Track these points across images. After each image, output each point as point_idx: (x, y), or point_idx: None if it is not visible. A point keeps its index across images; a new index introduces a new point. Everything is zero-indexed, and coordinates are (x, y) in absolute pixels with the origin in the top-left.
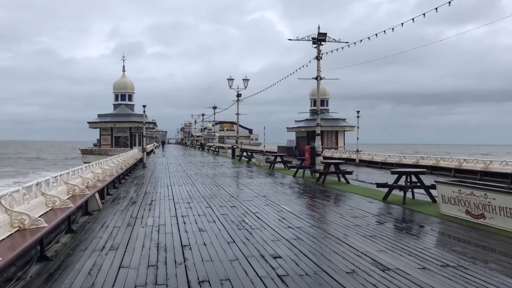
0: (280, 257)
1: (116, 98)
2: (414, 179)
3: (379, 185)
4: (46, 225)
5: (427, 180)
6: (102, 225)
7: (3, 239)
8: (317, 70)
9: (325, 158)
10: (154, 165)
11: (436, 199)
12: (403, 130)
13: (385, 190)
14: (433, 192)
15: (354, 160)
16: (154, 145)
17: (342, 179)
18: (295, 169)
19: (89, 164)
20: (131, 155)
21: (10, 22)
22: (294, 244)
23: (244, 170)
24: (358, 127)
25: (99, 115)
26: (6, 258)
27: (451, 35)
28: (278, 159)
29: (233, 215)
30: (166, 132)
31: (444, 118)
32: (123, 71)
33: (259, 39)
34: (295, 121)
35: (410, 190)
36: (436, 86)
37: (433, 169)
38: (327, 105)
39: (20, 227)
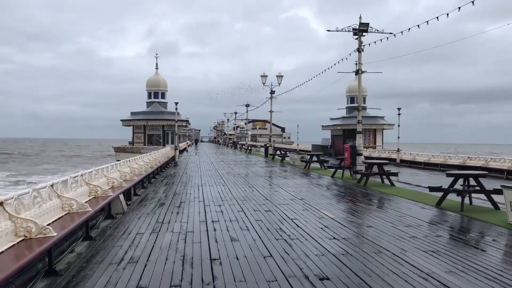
0: (328, 279)
1: (149, 96)
2: (472, 182)
3: (432, 188)
4: (55, 234)
5: (484, 183)
6: (124, 231)
7: (3, 251)
8: (358, 63)
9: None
10: (186, 163)
11: (500, 206)
12: (441, 129)
13: (438, 194)
14: (493, 197)
15: (394, 160)
16: (187, 143)
17: (386, 181)
18: (333, 170)
19: (117, 162)
20: (163, 153)
21: (51, 23)
22: (343, 261)
23: (278, 169)
24: (399, 125)
25: (132, 113)
26: (6, 272)
27: (493, 31)
28: (314, 158)
29: (268, 221)
30: (199, 130)
31: (484, 116)
32: (156, 68)
33: (293, 37)
34: (331, 119)
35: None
36: (475, 83)
37: (482, 170)
38: (364, 102)
39: (26, 236)
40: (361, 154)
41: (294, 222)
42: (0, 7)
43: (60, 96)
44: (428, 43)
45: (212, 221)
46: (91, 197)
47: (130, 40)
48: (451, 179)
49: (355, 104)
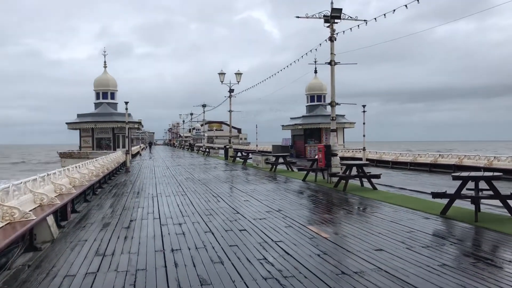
0: None
1: (97, 97)
2: (480, 185)
3: (436, 195)
4: None
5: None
6: (47, 272)
7: None
8: (331, 53)
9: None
10: (139, 169)
11: None
12: (391, 127)
13: (440, 201)
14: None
15: (360, 159)
16: (140, 146)
17: (365, 184)
18: (301, 172)
19: (50, 172)
20: (113, 158)
21: None
22: None
23: (242, 173)
24: (364, 123)
25: (78, 115)
26: None
27: (441, 32)
28: (281, 160)
29: (246, 247)
30: (153, 133)
31: (430, 115)
32: (105, 67)
33: (248, 38)
34: (291, 118)
35: (469, 200)
36: (424, 83)
37: (457, 169)
38: (324, 101)
39: None
40: (336, 155)
41: (281, 247)
42: None
43: (6, 99)
44: (382, 45)
45: (172, 250)
46: (5, 223)
47: (80, 41)
48: (432, 180)
49: (316, 103)
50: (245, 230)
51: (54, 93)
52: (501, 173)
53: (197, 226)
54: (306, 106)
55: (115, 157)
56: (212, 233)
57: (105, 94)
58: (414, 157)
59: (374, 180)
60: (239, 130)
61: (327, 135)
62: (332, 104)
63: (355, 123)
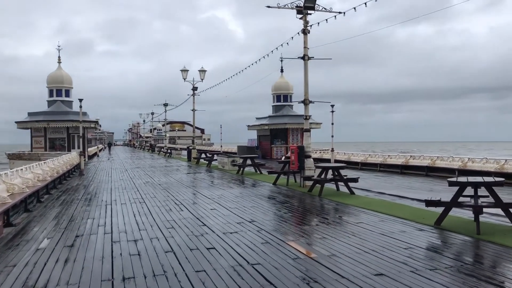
0: None
1: (51, 94)
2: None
3: (429, 203)
4: None
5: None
6: None
7: None
8: (304, 47)
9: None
10: (95, 171)
11: None
12: (352, 128)
13: (432, 209)
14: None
15: (328, 160)
16: (98, 147)
17: (341, 187)
18: (273, 175)
19: None
20: (65, 160)
21: None
22: None
23: (207, 176)
24: (333, 123)
25: (29, 114)
26: None
27: (402, 35)
28: (248, 161)
29: (217, 273)
30: (113, 133)
31: (391, 116)
32: (59, 62)
33: (212, 37)
34: (256, 118)
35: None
36: (385, 85)
37: (429, 170)
38: (290, 101)
39: None
40: (310, 157)
41: (260, 273)
42: None
43: None
44: (342, 46)
45: (124, 279)
46: None
47: (39, 37)
48: (407, 182)
49: (282, 103)
50: (213, 248)
51: (9, 91)
52: (503, 179)
53: (156, 243)
54: (272, 106)
55: (68, 159)
56: (174, 253)
57: (59, 91)
58: (384, 158)
59: (350, 184)
60: (202, 131)
61: (293, 135)
62: (306, 102)
63: (321, 123)
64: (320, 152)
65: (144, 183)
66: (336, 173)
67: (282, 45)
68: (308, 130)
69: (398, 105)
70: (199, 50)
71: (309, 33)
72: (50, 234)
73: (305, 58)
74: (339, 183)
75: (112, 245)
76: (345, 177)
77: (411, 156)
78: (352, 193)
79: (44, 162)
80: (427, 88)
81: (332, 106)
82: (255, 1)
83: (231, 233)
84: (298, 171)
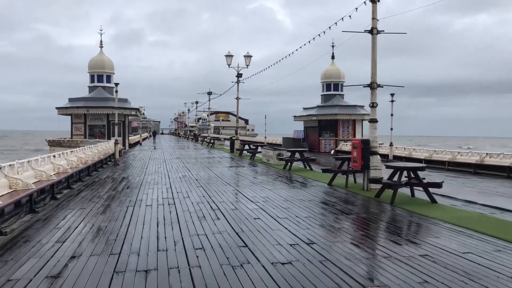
0: None
1: (92, 80)
2: None
3: None
4: None
5: None
6: None
7: None
8: (372, 18)
9: (343, 152)
10: (132, 161)
11: None
12: (400, 121)
13: None
14: None
15: (386, 156)
16: (140, 136)
17: (417, 193)
18: (328, 174)
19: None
20: (99, 149)
21: (3, 7)
22: None
23: (250, 171)
24: (392, 114)
25: (70, 99)
26: None
27: (460, 25)
28: (297, 155)
29: None
30: (159, 122)
31: (442, 109)
32: (101, 46)
33: (260, 28)
34: (304, 108)
35: None
36: (438, 77)
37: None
38: (341, 90)
39: None
40: (376, 153)
41: None
42: None
43: (16, 85)
44: (397, 36)
45: None
46: None
47: (92, 27)
48: (492, 186)
49: (333, 92)
50: None
51: (63, 79)
52: None
53: (174, 277)
54: (322, 95)
55: (103, 148)
56: None
57: (100, 77)
58: (453, 155)
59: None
60: (246, 121)
61: (344, 127)
62: (373, 85)
63: None
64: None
65: (180, 178)
66: (413, 175)
67: (336, 23)
68: (375, 121)
69: (451, 98)
70: (247, 41)
71: (379, 1)
72: (35, 258)
73: (373, 31)
74: (414, 187)
75: (112, 278)
76: (426, 182)
77: (487, 154)
78: (433, 201)
79: (72, 151)
80: (481, 81)
81: (392, 95)
82: None
83: (283, 264)
84: (361, 171)
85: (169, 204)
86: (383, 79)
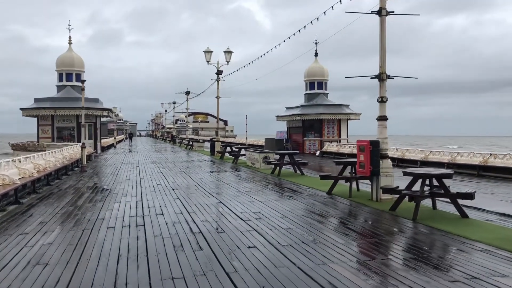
0: None
1: (60, 78)
2: None
3: None
4: None
5: None
6: None
7: None
8: None
9: (329, 153)
10: (102, 166)
11: None
12: (375, 121)
13: None
14: None
15: None
16: (115, 138)
17: (440, 205)
18: (325, 181)
19: None
20: (66, 154)
21: None
22: None
23: (235, 177)
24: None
25: (36, 100)
26: None
27: (439, 25)
28: (286, 158)
29: None
30: (135, 124)
31: (420, 109)
32: (69, 43)
33: (239, 28)
34: (287, 108)
35: None
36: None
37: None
38: (325, 89)
39: None
40: (387, 157)
41: None
42: None
43: None
44: (375, 36)
45: None
46: None
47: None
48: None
49: (316, 90)
50: None
51: (38, 81)
52: None
53: None
54: (305, 94)
55: (69, 152)
56: None
57: (69, 75)
58: (452, 156)
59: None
60: (225, 122)
61: (329, 127)
62: (382, 77)
63: (360, 114)
64: (350, 147)
65: (154, 187)
66: (439, 184)
67: (318, 18)
68: (384, 118)
69: (427, 97)
70: (226, 42)
71: None
72: None
73: (382, 12)
74: (437, 198)
75: None
76: (454, 193)
77: (490, 154)
78: (464, 215)
79: (26, 158)
80: (457, 81)
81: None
82: None
83: None
84: (369, 178)
85: (137, 226)
86: (361, 78)
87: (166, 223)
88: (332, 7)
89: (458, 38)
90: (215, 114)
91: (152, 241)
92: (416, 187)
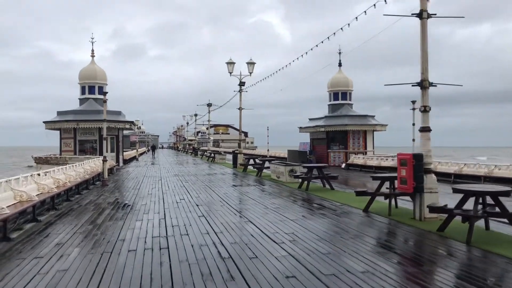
0: None
1: (83, 91)
2: None
3: None
4: None
5: None
6: None
7: None
8: (422, 0)
9: (356, 166)
10: (124, 179)
11: None
12: (399, 132)
13: None
14: None
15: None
16: (137, 150)
17: (494, 226)
18: (362, 197)
19: None
20: (87, 167)
21: (7, 26)
22: None
23: (260, 192)
24: (414, 124)
25: (58, 113)
26: None
27: (462, 35)
28: (315, 172)
29: None
30: (157, 136)
31: (442, 120)
32: (92, 56)
33: (260, 41)
34: (310, 119)
35: None
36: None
37: None
38: (350, 99)
39: None
40: (431, 171)
41: None
42: None
43: (16, 101)
44: (396, 46)
45: None
46: None
47: (95, 42)
48: None
49: (341, 101)
50: None
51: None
52: None
53: None
54: (329, 105)
55: (90, 166)
56: None
57: (91, 88)
58: (489, 169)
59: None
60: (245, 134)
61: (354, 139)
62: (425, 84)
63: (387, 125)
64: (391, 160)
65: (177, 202)
66: (494, 202)
67: (341, 28)
68: (428, 130)
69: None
70: (247, 55)
71: None
72: None
73: (423, 15)
74: (496, 218)
75: None
76: (507, 209)
77: None
78: None
79: (46, 172)
80: (482, 91)
81: (413, 102)
82: (302, 5)
83: None
84: (412, 195)
85: (160, 249)
86: (382, 89)
87: (192, 245)
88: (356, 17)
89: (482, 48)
90: (236, 126)
91: (178, 267)
92: (468, 205)
